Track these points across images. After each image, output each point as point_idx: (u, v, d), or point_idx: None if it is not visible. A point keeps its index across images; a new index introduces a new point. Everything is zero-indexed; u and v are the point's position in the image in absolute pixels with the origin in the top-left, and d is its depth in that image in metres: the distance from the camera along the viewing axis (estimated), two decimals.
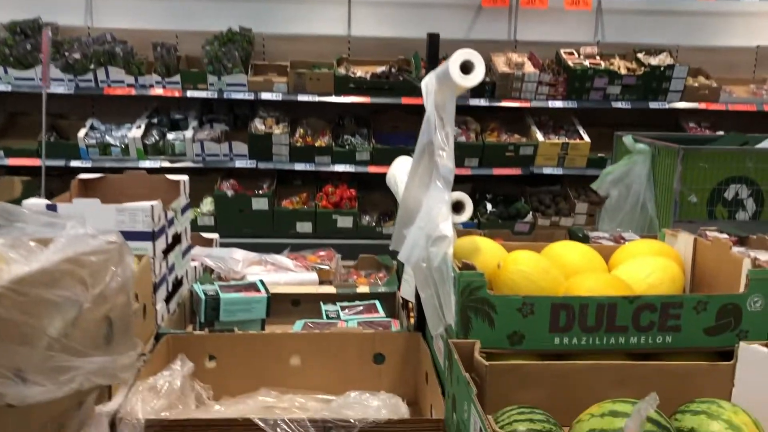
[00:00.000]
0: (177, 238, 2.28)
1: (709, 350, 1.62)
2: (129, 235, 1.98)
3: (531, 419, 1.31)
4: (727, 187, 3.95)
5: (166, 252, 2.14)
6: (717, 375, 1.59)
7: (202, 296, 2.20)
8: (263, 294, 2.26)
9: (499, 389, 1.54)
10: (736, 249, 2.73)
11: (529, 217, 5.76)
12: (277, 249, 3.13)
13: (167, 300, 2.19)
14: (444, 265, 1.61)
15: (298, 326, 2.20)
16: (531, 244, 2.04)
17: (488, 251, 1.87)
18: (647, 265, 1.80)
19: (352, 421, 1.53)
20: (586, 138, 5.85)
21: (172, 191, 2.31)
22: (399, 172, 2.18)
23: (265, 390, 1.94)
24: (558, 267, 1.80)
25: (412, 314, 2.20)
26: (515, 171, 5.81)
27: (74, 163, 5.56)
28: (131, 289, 1.31)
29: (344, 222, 5.66)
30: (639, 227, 4.21)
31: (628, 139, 4.32)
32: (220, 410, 1.81)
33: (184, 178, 2.37)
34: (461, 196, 1.73)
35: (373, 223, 5.76)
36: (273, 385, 1.97)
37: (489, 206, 5.85)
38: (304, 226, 5.66)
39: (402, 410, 1.63)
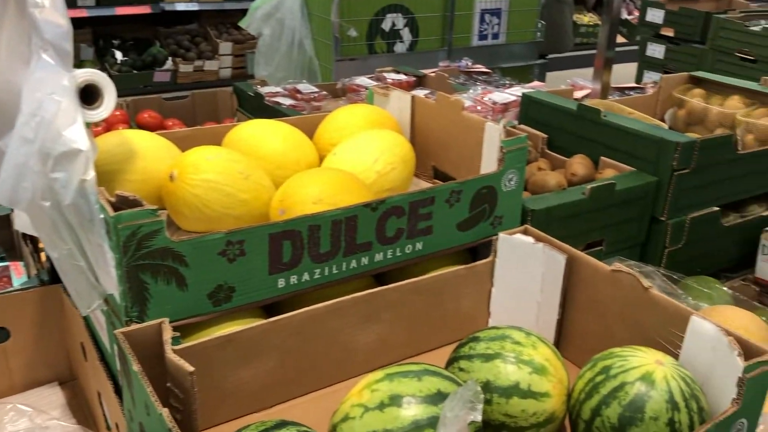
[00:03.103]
0: None
1: (459, 249, 1.28)
2: None
3: None
4: (384, 17, 3.69)
5: None
6: (475, 278, 1.26)
7: None
8: None
9: (212, 380, 1.01)
10: (420, 92, 2.46)
11: (169, 63, 4.95)
12: None
13: None
14: (84, 202, 0.94)
15: None
16: (207, 129, 1.44)
17: (149, 153, 1.22)
18: (370, 146, 1.35)
19: None
20: None
21: None
22: None
23: None
24: (256, 163, 1.25)
25: (42, 248, 1.48)
26: (143, 9, 4.87)
27: None
28: None
29: None
30: (298, 69, 3.80)
31: None
32: None
33: None
34: (93, 75, 1.02)
35: None
36: None
37: (119, 54, 4.86)
38: None
39: None
